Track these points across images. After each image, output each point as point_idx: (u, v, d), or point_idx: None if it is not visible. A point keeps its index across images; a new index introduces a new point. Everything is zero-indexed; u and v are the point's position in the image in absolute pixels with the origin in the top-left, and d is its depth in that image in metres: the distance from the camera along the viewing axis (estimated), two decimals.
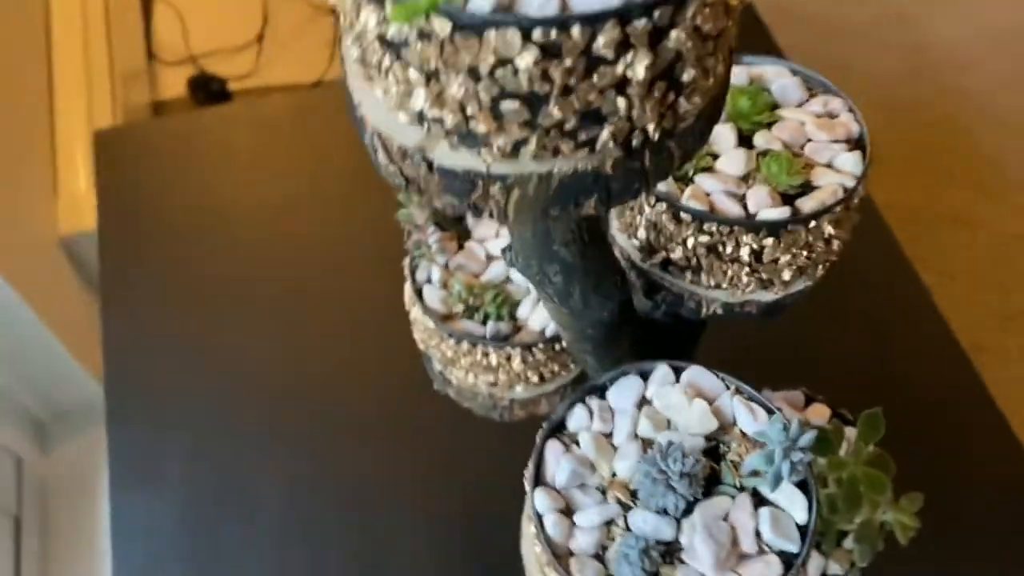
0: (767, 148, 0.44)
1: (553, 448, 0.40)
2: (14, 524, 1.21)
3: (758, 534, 0.37)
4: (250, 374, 0.80)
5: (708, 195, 0.42)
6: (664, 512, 0.38)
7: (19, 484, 1.24)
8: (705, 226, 0.41)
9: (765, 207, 0.41)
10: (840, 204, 0.41)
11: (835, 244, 0.44)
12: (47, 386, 1.25)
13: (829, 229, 0.42)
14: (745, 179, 0.43)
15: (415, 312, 0.54)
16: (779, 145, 0.44)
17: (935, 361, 0.77)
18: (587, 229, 0.37)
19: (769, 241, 0.41)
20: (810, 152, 0.44)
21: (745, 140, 0.44)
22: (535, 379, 0.53)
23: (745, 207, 0.42)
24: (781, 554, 0.37)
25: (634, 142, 0.27)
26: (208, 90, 1.64)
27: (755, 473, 0.38)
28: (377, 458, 0.73)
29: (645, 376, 0.42)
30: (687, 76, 0.26)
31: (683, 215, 0.41)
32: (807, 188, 0.43)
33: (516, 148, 0.26)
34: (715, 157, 0.44)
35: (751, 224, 0.41)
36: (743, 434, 0.40)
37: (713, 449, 0.40)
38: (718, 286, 0.44)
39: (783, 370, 0.70)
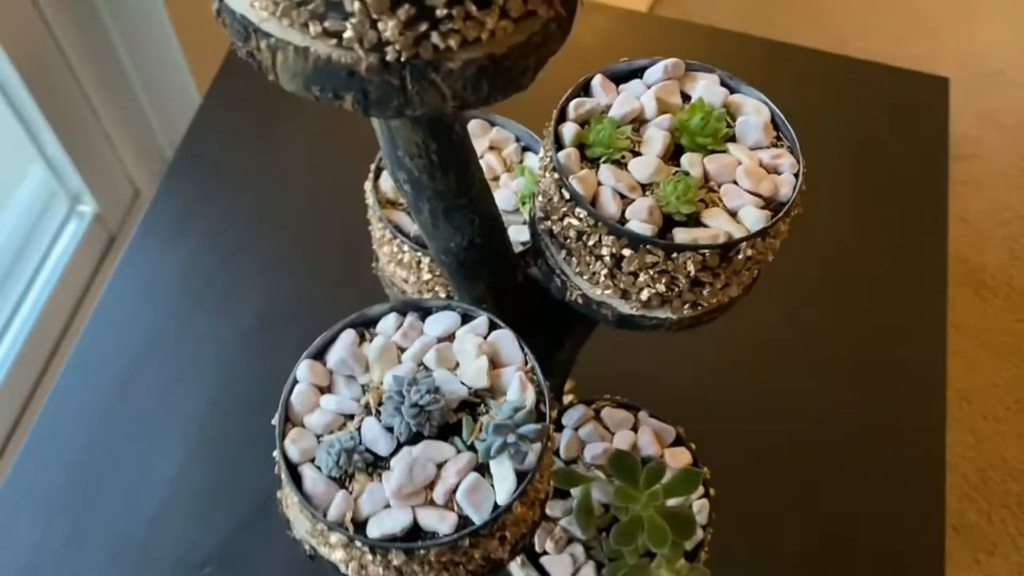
0: (687, 170, 0.42)
1: (348, 336, 0.42)
2: (108, 242, 1.36)
3: (455, 491, 0.38)
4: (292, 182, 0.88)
5: (599, 184, 0.42)
6: (390, 431, 0.39)
7: (127, 213, 1.39)
8: (576, 210, 0.41)
9: (638, 218, 0.40)
10: (709, 249, 0.40)
11: (706, 290, 0.42)
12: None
13: (691, 268, 0.40)
14: (645, 188, 0.42)
15: (367, 185, 0.56)
16: (699, 172, 0.42)
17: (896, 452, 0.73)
18: (437, 151, 0.38)
19: (627, 252, 0.41)
20: (723, 192, 0.42)
21: (676, 153, 0.43)
22: (443, 295, 0.55)
23: (624, 210, 0.41)
24: (463, 519, 0.38)
25: (388, 56, 0.28)
26: None
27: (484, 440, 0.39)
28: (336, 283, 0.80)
29: (467, 318, 0.43)
30: (440, 11, 0.27)
31: (564, 191, 0.41)
32: (695, 222, 0.41)
33: (273, 10, 0.28)
34: (636, 155, 0.43)
35: (613, 226, 0.40)
36: None
37: (474, 405, 0.41)
38: (581, 275, 0.44)
39: (705, 406, 0.68)
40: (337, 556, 0.39)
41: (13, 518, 0.71)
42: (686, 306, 0.43)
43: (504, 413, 0.38)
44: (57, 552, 0.69)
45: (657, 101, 0.44)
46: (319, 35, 0.28)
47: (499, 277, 0.46)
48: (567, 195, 0.41)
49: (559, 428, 0.55)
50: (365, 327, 0.43)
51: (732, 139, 0.44)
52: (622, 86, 0.46)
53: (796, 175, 0.43)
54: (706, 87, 0.45)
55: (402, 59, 0.28)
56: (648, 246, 0.40)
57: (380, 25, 0.27)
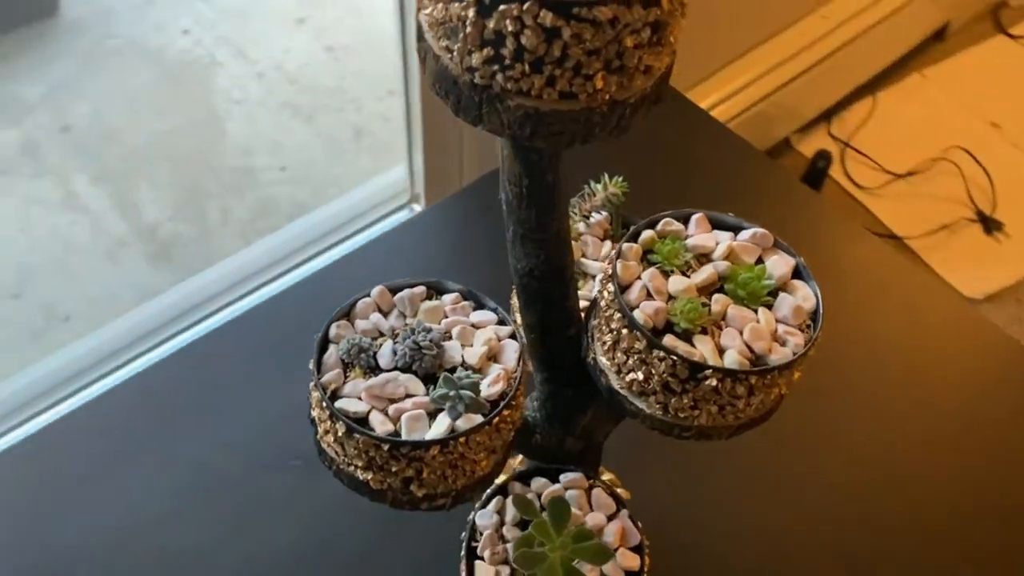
0: (710, 304, 0.51)
1: (421, 289, 0.56)
2: None
3: (403, 414, 0.50)
4: None
5: (638, 277, 0.52)
6: (395, 353, 0.52)
7: None
8: (610, 285, 0.51)
9: (644, 312, 0.50)
10: (678, 360, 0.48)
11: (674, 399, 0.50)
12: None
13: (663, 369, 0.49)
14: (671, 298, 0.51)
15: None
16: (719, 310, 0.50)
17: None
18: (528, 186, 0.50)
19: (625, 331, 0.50)
20: (724, 332, 0.50)
21: (716, 289, 0.52)
22: None
23: (640, 303, 0.50)
24: (396, 433, 0.49)
25: (475, 79, 0.42)
26: (816, 160, 1.80)
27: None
28: None
29: (502, 323, 0.55)
30: (507, 60, 0.40)
31: (611, 269, 0.52)
32: (686, 339, 0.49)
33: (429, 24, 0.43)
34: (685, 275, 0.52)
35: (623, 306, 0.50)
36: None
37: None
38: (599, 340, 0.53)
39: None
40: (315, 413, 0.53)
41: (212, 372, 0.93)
42: (658, 406, 0.51)
43: (460, 374, 0.49)
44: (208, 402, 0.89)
45: (730, 250, 0.53)
46: (443, 49, 0.42)
47: (549, 317, 0.57)
48: (610, 272, 0.52)
49: (554, 481, 0.63)
50: (437, 292, 0.57)
51: (768, 307, 0.51)
52: (716, 230, 0.55)
53: (795, 354, 0.49)
54: (777, 261, 0.53)
55: (480, 84, 0.42)
56: (637, 332, 0.49)
57: (472, 55, 0.41)
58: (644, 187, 1.06)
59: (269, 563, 0.78)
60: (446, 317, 0.55)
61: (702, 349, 0.49)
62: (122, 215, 1.91)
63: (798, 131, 1.98)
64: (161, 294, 1.71)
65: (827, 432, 0.87)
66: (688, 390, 0.49)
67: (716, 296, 0.51)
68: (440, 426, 0.49)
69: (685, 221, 0.55)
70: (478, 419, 0.49)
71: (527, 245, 0.53)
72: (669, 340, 0.49)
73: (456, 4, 0.40)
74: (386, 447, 0.49)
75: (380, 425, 0.50)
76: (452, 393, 0.48)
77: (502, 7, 0.39)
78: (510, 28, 0.39)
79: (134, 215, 1.91)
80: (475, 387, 0.49)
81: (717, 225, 0.55)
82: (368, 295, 0.56)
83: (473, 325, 0.55)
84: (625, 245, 0.53)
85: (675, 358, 0.48)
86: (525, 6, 0.38)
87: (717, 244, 0.54)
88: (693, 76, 1.78)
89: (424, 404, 0.50)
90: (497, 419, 0.50)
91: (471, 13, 0.40)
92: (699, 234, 0.54)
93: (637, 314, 0.50)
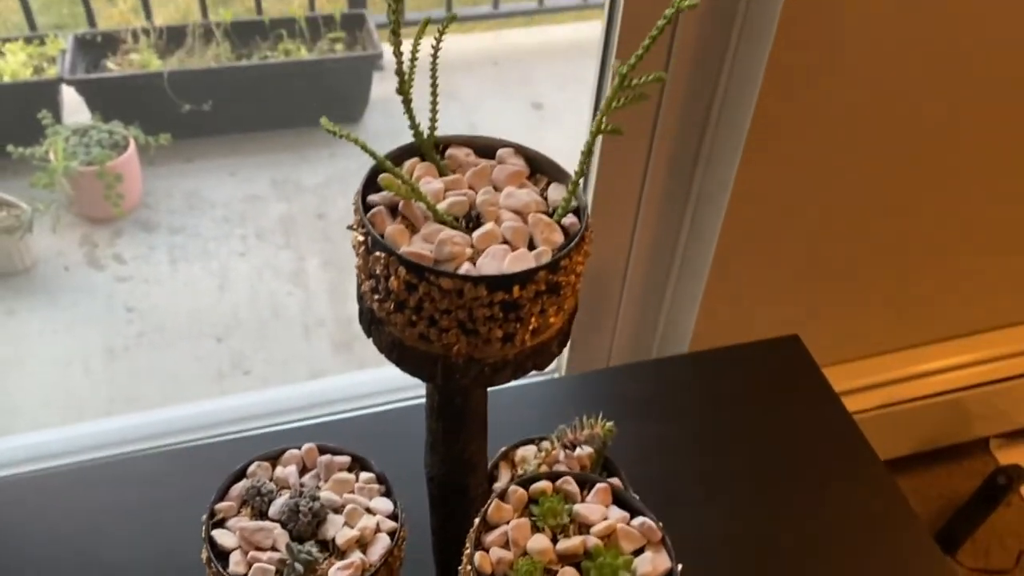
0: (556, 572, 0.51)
1: (346, 461, 0.61)
2: None
3: (257, 561, 0.54)
4: None
5: (507, 523, 0.53)
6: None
7: None
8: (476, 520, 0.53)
9: (492, 557, 0.51)
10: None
11: None
12: None
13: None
14: (526, 553, 0.52)
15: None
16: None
17: None
18: (437, 402, 0.54)
19: (470, 566, 0.51)
20: None
21: (576, 562, 0.52)
22: None
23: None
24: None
25: (367, 301, 0.48)
26: (996, 474, 1.63)
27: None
28: None
29: (394, 517, 0.58)
30: (382, 295, 0.45)
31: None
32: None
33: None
34: (556, 537, 0.53)
35: (474, 539, 0.52)
36: None
37: (326, 544, 0.56)
38: None
39: None
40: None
41: None
42: None
43: (304, 547, 0.53)
44: None
45: (612, 530, 0.53)
46: (356, 267, 0.49)
47: (445, 528, 0.59)
48: (485, 507, 0.54)
49: None
50: (362, 466, 0.61)
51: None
52: (615, 506, 0.55)
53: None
54: (652, 559, 0.52)
55: (369, 306, 0.47)
56: (472, 571, 0.51)
57: (363, 281, 0.47)
58: (715, 445, 1.02)
59: None
60: (351, 492, 0.60)
61: None
62: (331, 300, 2.14)
63: (1002, 436, 1.81)
64: (327, 377, 1.88)
65: None
66: None
67: (566, 569, 0.51)
68: None
69: (590, 487, 0.56)
70: None
71: (432, 455, 0.57)
72: None
73: (357, 237, 0.47)
74: None
75: (235, 565, 0.55)
76: (289, 561, 0.53)
77: (376, 252, 0.45)
78: (379, 271, 0.45)
79: (340, 304, 2.13)
80: (310, 564, 0.53)
81: (620, 502, 0.56)
82: (299, 448, 0.62)
83: (367, 509, 0.59)
84: (512, 487, 0.55)
85: None
86: (390, 258, 0.44)
87: (604, 519, 0.54)
88: (905, 338, 1.68)
89: (278, 559, 0.55)
90: None
91: (362, 249, 0.46)
92: (593, 503, 0.55)
93: (478, 556, 0.51)
